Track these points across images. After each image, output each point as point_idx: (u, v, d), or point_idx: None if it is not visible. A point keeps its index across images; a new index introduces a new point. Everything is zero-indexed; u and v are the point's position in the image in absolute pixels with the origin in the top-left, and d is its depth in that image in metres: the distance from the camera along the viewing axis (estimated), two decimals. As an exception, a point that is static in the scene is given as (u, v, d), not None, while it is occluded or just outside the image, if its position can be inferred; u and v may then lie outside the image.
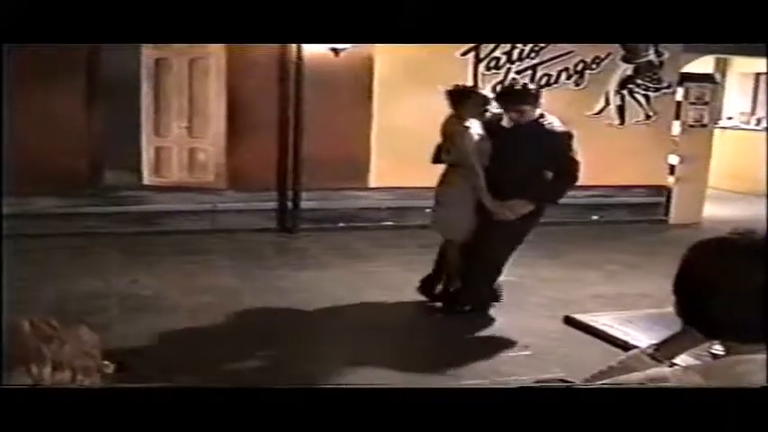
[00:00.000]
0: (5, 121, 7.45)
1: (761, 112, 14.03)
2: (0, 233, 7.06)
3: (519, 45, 9.65)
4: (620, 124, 10.34)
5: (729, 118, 14.20)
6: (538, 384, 1.88)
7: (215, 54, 8.77)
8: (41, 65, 7.83)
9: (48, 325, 1.62)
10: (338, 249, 8.46)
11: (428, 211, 9.21)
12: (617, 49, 10.10)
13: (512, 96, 6.06)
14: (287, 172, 9.24)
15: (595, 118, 10.04)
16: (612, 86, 10.26)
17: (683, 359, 1.95)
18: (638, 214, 10.50)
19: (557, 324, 5.78)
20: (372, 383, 4.73)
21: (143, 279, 6.95)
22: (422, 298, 6.45)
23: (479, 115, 6.15)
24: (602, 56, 10.08)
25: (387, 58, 9.09)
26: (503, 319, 6.19)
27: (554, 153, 5.87)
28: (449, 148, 6.17)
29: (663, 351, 1.90)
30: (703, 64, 12.45)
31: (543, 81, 9.63)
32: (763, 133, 12.02)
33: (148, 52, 8.84)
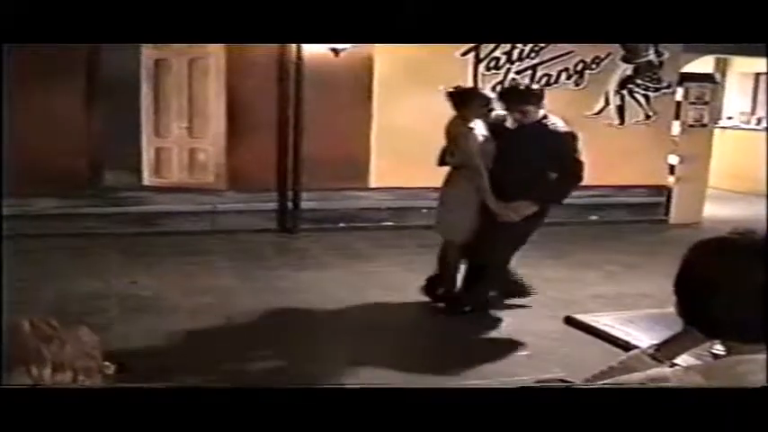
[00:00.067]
0: (5, 121, 7.46)
1: (761, 112, 14.02)
2: (0, 233, 7.06)
3: (519, 45, 9.65)
4: (620, 124, 10.34)
5: (729, 118, 14.20)
6: (538, 384, 1.88)
7: (215, 54, 8.77)
8: (41, 65, 7.83)
9: (48, 325, 1.61)
10: (338, 250, 8.46)
11: (425, 211, 9.29)
12: (617, 50, 10.10)
13: (515, 96, 6.06)
14: (287, 172, 9.24)
15: (595, 118, 10.04)
16: (612, 86, 10.26)
17: (683, 359, 1.95)
18: (639, 214, 10.50)
19: (557, 324, 5.78)
20: (373, 383, 4.73)
21: (143, 280, 6.95)
22: (422, 298, 6.44)
23: (483, 116, 6.14)
24: (602, 56, 10.08)
25: (387, 58, 9.09)
26: (503, 320, 6.19)
27: (558, 154, 5.87)
28: (453, 150, 6.17)
29: (664, 351, 1.90)
30: (703, 64, 12.44)
31: (543, 81, 9.63)
32: (764, 133, 12.02)
33: (148, 52, 8.84)
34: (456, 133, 6.12)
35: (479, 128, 6.07)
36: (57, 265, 7.29)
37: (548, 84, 9.60)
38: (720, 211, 10.70)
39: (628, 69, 10.27)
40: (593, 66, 10.08)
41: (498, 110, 6.18)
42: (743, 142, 13.00)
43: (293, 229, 9.24)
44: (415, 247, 8.47)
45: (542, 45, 9.67)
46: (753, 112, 14.31)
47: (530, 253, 6.54)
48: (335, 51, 8.91)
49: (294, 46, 8.83)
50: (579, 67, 10.01)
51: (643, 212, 10.56)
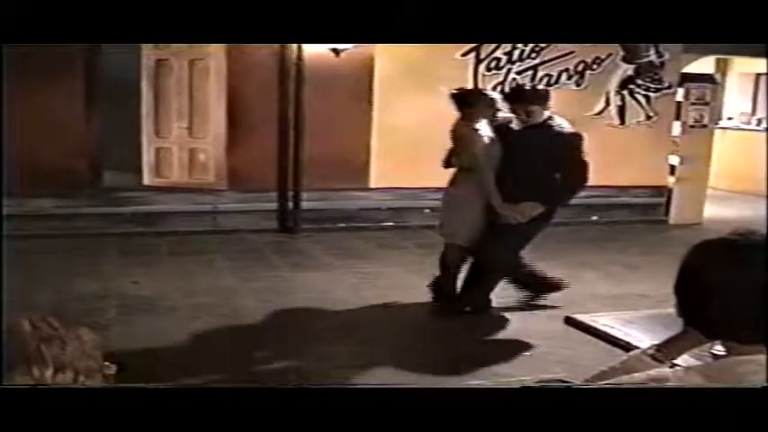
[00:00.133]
0: (5, 121, 7.45)
1: (761, 113, 14.02)
2: (0, 233, 7.06)
3: (520, 45, 9.65)
4: (621, 125, 10.34)
5: (730, 118, 14.20)
6: (538, 384, 1.88)
7: (215, 54, 8.77)
8: (41, 65, 7.83)
9: (48, 325, 1.61)
10: (338, 250, 8.46)
11: (428, 211, 9.29)
12: (617, 50, 10.11)
13: (520, 97, 6.06)
14: (287, 172, 9.24)
15: (596, 118, 10.04)
16: (613, 87, 10.26)
17: (684, 360, 1.94)
18: (639, 215, 10.50)
19: (557, 324, 5.78)
20: (373, 383, 4.73)
21: (143, 280, 6.95)
22: (422, 299, 6.44)
23: (488, 117, 6.13)
24: (603, 56, 10.08)
25: (387, 58, 9.09)
26: (503, 320, 6.19)
27: (564, 155, 5.87)
28: (458, 152, 6.16)
29: (664, 351, 1.90)
30: (704, 64, 12.44)
31: (544, 82, 9.64)
32: (764, 134, 12.01)
33: (148, 53, 8.85)
34: (461, 135, 6.11)
35: (485, 129, 6.06)
36: (57, 265, 7.29)
37: (548, 84, 9.60)
38: (721, 211, 10.70)
39: (628, 70, 10.28)
40: (594, 66, 10.09)
41: (504, 111, 6.16)
42: (743, 143, 13.00)
43: (293, 230, 9.24)
44: (416, 248, 8.48)
45: (543, 45, 9.67)
46: (753, 112, 14.30)
47: (530, 253, 6.54)
48: (336, 52, 8.91)
49: (295, 46, 8.83)
50: (580, 68, 10.01)
51: (643, 213, 10.57)
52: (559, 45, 9.58)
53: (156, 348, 5.36)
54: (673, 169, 10.57)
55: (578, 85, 10.02)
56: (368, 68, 9.21)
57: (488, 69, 9.60)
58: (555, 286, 6.50)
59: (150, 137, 9.11)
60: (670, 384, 1.62)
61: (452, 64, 9.27)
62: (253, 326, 6.00)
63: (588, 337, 3.72)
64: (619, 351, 2.93)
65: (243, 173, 9.04)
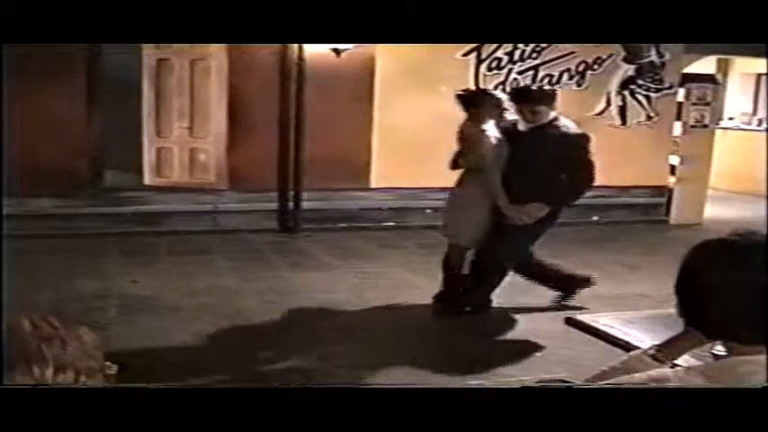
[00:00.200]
0: (5, 121, 7.45)
1: (762, 113, 14.02)
2: (0, 233, 7.07)
3: (521, 45, 9.65)
4: (622, 125, 10.34)
5: (731, 118, 14.20)
6: (538, 384, 1.88)
7: (216, 54, 8.77)
8: (42, 65, 7.83)
9: (49, 324, 1.61)
10: (339, 250, 8.46)
11: (429, 212, 9.29)
12: (619, 50, 10.11)
13: (527, 97, 6.07)
14: (288, 172, 9.24)
15: (597, 118, 10.03)
16: (614, 87, 10.26)
17: (684, 360, 1.94)
18: (639, 215, 10.50)
19: (558, 325, 5.78)
20: (373, 383, 4.73)
21: (143, 280, 6.95)
22: (424, 299, 6.43)
23: (496, 117, 6.13)
24: (604, 56, 10.08)
25: (388, 58, 9.09)
26: (503, 320, 6.19)
27: (570, 156, 5.87)
28: (465, 153, 6.16)
29: (664, 352, 1.90)
30: (705, 65, 12.44)
31: (545, 82, 9.64)
32: (765, 134, 12.00)
33: (149, 52, 8.85)
34: (468, 135, 6.10)
35: (492, 130, 6.05)
36: (57, 265, 7.29)
37: (549, 84, 9.60)
38: (721, 211, 10.70)
39: (629, 70, 10.27)
40: (595, 66, 10.08)
41: (511, 111, 6.16)
42: (744, 143, 13.00)
43: (294, 230, 9.24)
44: (417, 248, 8.48)
45: (544, 45, 9.67)
46: (754, 112, 14.30)
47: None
48: (337, 52, 8.91)
49: (296, 46, 8.83)
50: (581, 68, 10.01)
51: (644, 213, 10.57)
52: (560, 45, 9.58)
53: (156, 348, 5.36)
54: (673, 169, 10.56)
55: (579, 85, 10.02)
56: (369, 68, 9.21)
57: (489, 69, 9.60)
58: (583, 282, 6.50)
59: (151, 136, 9.12)
60: (671, 385, 1.62)
61: (453, 64, 9.27)
62: (253, 326, 6.00)
63: (588, 337, 3.72)
64: (619, 351, 2.92)
65: (244, 173, 9.05)
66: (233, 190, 9.13)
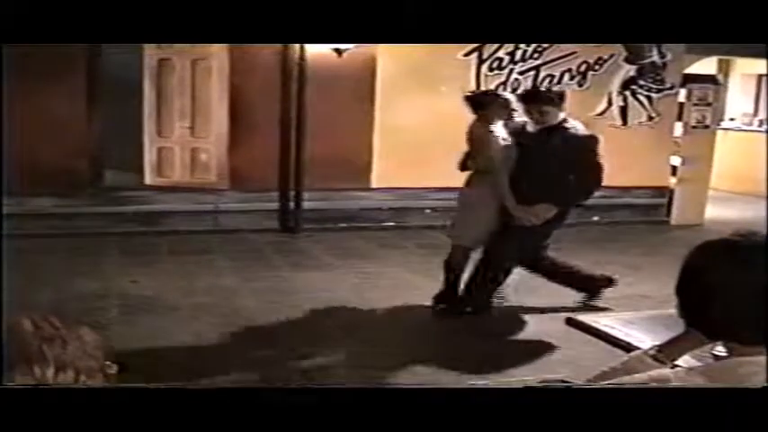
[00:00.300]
0: (6, 121, 7.46)
1: (763, 114, 14.02)
2: (0, 233, 7.07)
3: (522, 46, 9.65)
4: (623, 125, 10.34)
5: (732, 119, 14.20)
6: (538, 384, 1.87)
7: (217, 54, 8.77)
8: (43, 64, 7.84)
9: (49, 324, 1.61)
10: (340, 250, 8.46)
11: (429, 212, 9.30)
12: (620, 50, 10.11)
13: (534, 97, 6.08)
14: (289, 172, 9.25)
15: (598, 119, 10.03)
16: (615, 87, 10.26)
17: (685, 360, 1.94)
18: (640, 215, 10.50)
19: (558, 325, 5.78)
20: (373, 383, 4.73)
21: (144, 280, 6.95)
22: (424, 299, 6.44)
23: (504, 118, 6.13)
24: (606, 57, 10.08)
25: (389, 58, 9.09)
26: (504, 321, 6.19)
27: (578, 157, 5.88)
28: (474, 155, 6.16)
29: (665, 352, 1.90)
30: (706, 65, 12.44)
31: (546, 82, 9.64)
32: (765, 135, 12.00)
33: (151, 52, 8.85)
34: (477, 137, 6.11)
35: (500, 131, 6.06)
36: (58, 264, 7.29)
37: (550, 84, 9.60)
38: (722, 212, 10.70)
39: (631, 70, 10.28)
40: (597, 67, 10.09)
41: (519, 112, 6.16)
42: (745, 144, 13.00)
43: (295, 229, 9.24)
44: (417, 248, 8.48)
45: (545, 46, 9.67)
46: (755, 113, 14.30)
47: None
48: (338, 51, 8.91)
49: (297, 46, 8.83)
50: (582, 68, 10.01)
51: (645, 214, 10.57)
52: (562, 45, 9.58)
53: (157, 348, 5.36)
54: (674, 170, 10.56)
55: (581, 85, 10.02)
56: (370, 68, 9.21)
57: (491, 69, 9.60)
58: (606, 282, 6.49)
59: (152, 136, 9.12)
60: (671, 385, 1.62)
61: (455, 64, 9.27)
62: (254, 326, 6.00)
63: (589, 337, 3.72)
64: (620, 352, 2.93)
65: (245, 172, 9.05)
66: (234, 190, 9.14)
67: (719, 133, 11.39)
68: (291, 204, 9.31)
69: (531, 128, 6.05)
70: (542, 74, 9.78)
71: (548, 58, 9.79)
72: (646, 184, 10.46)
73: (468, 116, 6.28)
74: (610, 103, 10.26)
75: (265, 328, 5.97)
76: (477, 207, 6.09)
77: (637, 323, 3.54)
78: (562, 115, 6.02)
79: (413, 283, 6.98)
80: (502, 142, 6.00)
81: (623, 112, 10.33)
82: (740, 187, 12.37)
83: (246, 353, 5.44)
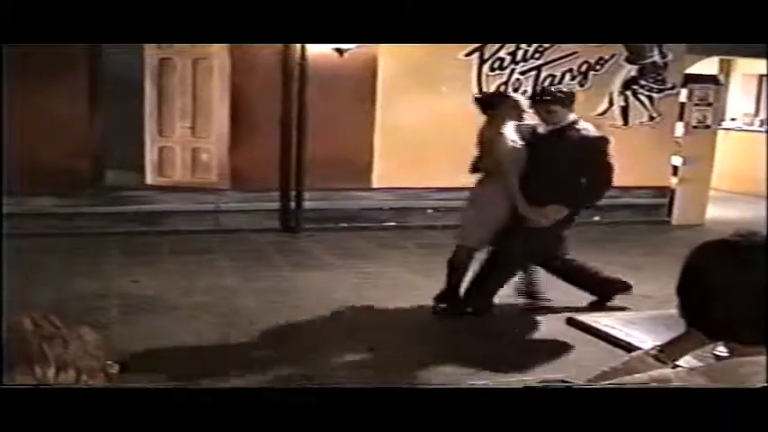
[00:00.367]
0: (6, 121, 7.46)
1: (764, 114, 14.01)
2: (0, 232, 7.07)
3: (523, 46, 9.65)
4: (624, 125, 10.33)
5: (733, 119, 14.19)
6: (538, 384, 1.87)
7: (218, 54, 8.77)
8: (43, 64, 7.84)
9: (50, 323, 1.61)
10: (340, 250, 8.46)
11: (430, 211, 9.30)
12: (621, 51, 10.11)
13: (542, 97, 6.08)
14: (290, 172, 9.25)
15: (599, 119, 10.01)
16: (616, 87, 10.26)
17: (686, 361, 1.94)
18: (641, 215, 10.50)
19: (559, 325, 5.79)
20: (373, 383, 4.73)
21: (145, 279, 6.95)
22: (424, 299, 6.43)
23: (514, 119, 6.12)
24: (607, 57, 10.08)
25: (390, 58, 9.09)
26: (504, 321, 6.19)
27: (589, 158, 5.88)
28: (484, 156, 6.15)
29: (666, 352, 1.90)
30: (707, 65, 12.43)
31: (547, 82, 9.64)
32: (766, 135, 11.99)
33: (152, 52, 8.85)
34: (487, 138, 6.11)
35: (510, 133, 6.06)
36: (58, 264, 7.29)
37: (551, 84, 9.60)
38: (723, 212, 10.69)
39: (632, 70, 10.28)
40: (598, 67, 10.08)
41: (530, 114, 6.16)
42: (746, 144, 12.99)
43: (296, 229, 9.24)
44: (417, 248, 8.48)
45: (547, 46, 9.67)
46: (756, 113, 14.30)
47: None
48: (340, 51, 8.91)
49: (298, 46, 8.83)
50: (583, 68, 10.01)
51: (646, 214, 10.56)
52: (563, 45, 9.58)
53: (157, 348, 5.36)
54: (675, 170, 10.56)
55: (582, 85, 10.01)
56: (371, 68, 9.21)
57: (492, 69, 9.59)
58: (622, 287, 6.48)
59: (153, 136, 9.12)
60: (672, 385, 1.62)
61: (456, 64, 9.26)
62: (254, 326, 6.00)
63: (590, 337, 3.72)
64: (620, 352, 2.93)
65: (245, 172, 9.05)
66: (235, 189, 9.14)
67: (720, 133, 11.38)
68: (292, 204, 9.30)
69: (541, 129, 6.05)
70: (543, 74, 9.78)
71: (549, 58, 9.79)
72: (647, 184, 10.45)
73: (473, 117, 6.28)
74: (611, 103, 10.26)
75: (266, 327, 5.96)
76: (487, 207, 6.09)
77: (638, 323, 3.55)
78: (573, 116, 6.01)
79: (413, 283, 6.98)
80: (511, 144, 6.00)
81: (624, 112, 10.33)
82: (741, 187, 12.37)
83: (246, 352, 5.44)
